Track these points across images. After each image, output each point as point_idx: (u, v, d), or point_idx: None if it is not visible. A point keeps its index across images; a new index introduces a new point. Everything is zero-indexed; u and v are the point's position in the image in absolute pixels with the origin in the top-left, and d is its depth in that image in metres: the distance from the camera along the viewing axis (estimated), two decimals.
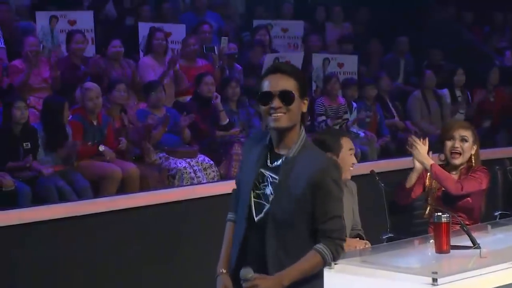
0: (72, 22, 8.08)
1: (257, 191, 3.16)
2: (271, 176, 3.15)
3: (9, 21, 8.01)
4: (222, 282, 3.21)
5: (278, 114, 3.11)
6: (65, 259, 5.68)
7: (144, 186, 6.65)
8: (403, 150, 8.50)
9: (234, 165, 7.01)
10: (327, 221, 3.10)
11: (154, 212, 6.18)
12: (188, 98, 7.92)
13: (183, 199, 6.38)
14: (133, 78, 7.74)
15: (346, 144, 4.47)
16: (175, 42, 8.41)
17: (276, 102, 3.10)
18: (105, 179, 6.43)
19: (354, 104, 8.61)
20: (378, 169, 6.14)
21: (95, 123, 6.77)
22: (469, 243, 4.29)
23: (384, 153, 8.47)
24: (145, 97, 7.43)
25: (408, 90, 9.66)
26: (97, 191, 6.40)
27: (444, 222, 4.23)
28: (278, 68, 3.17)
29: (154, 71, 7.91)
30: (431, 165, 4.81)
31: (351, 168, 4.48)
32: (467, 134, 4.89)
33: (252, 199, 3.16)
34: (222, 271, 3.24)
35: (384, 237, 4.86)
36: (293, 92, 3.12)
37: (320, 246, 3.09)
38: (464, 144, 4.89)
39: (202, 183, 6.86)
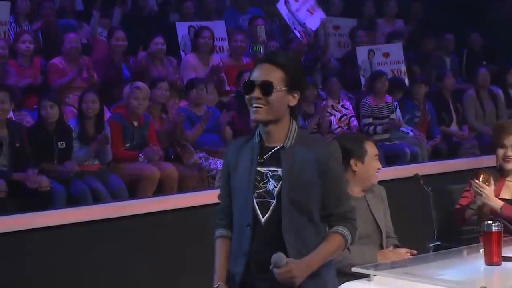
0: None
1: (257, 191, 3.04)
2: (270, 171, 3.04)
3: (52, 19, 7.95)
4: None
5: (258, 105, 3.01)
6: (99, 261, 5.58)
7: (183, 187, 6.48)
8: (455, 152, 8.27)
9: None
10: (340, 204, 3.05)
11: (193, 214, 6.03)
12: (231, 96, 7.75)
13: None
14: (175, 76, 7.57)
15: (371, 148, 4.24)
16: (216, 39, 8.25)
17: (256, 93, 3.01)
18: (142, 180, 6.29)
19: (396, 103, 8.32)
20: (427, 172, 5.90)
21: (135, 124, 6.62)
22: None
23: (436, 155, 8.17)
24: (186, 95, 7.26)
25: (461, 88, 9.32)
26: (134, 192, 6.26)
27: (495, 231, 3.95)
28: (268, 58, 3.05)
29: (196, 70, 7.75)
30: (501, 207, 4.63)
31: (376, 174, 4.23)
32: None
33: (255, 201, 3.03)
34: (220, 284, 3.08)
35: (430, 245, 4.61)
36: (275, 83, 2.99)
37: (339, 228, 3.04)
38: None
39: None
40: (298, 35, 8.75)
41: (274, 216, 3.00)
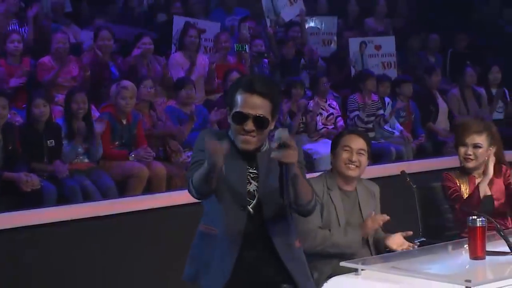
0: None
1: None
2: (251, 173, 3.20)
3: (40, 20, 7.99)
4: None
5: (248, 137, 3.14)
6: (89, 259, 5.62)
7: (172, 185, 6.53)
8: (440, 150, 8.37)
9: None
10: None
11: (181, 213, 6.05)
12: (218, 95, 7.81)
13: None
14: (163, 75, 7.63)
15: (344, 140, 4.27)
16: (209, 40, 8.31)
17: (250, 126, 3.13)
18: (131, 178, 6.34)
19: (387, 99, 8.41)
20: (412, 170, 5.97)
21: (124, 122, 6.66)
22: (506, 249, 4.10)
23: (420, 154, 8.27)
24: (175, 94, 7.32)
25: (445, 88, 9.42)
26: (123, 191, 6.30)
27: (479, 226, 4.03)
28: (255, 89, 3.12)
29: (183, 68, 7.81)
30: None
31: (347, 165, 4.23)
32: (481, 140, 4.77)
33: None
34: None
35: (416, 241, 4.67)
36: (268, 117, 3.12)
37: None
38: (478, 150, 4.77)
39: None
40: (268, 23, 8.83)
41: (255, 212, 3.18)
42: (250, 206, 3.19)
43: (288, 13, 8.91)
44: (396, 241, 4.27)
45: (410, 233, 4.32)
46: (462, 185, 4.79)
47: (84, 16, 8.98)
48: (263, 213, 3.19)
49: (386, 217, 4.24)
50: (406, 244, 4.27)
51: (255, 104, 3.10)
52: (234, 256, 3.19)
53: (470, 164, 4.77)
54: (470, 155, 4.75)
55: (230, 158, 3.14)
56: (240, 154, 3.19)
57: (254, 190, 3.19)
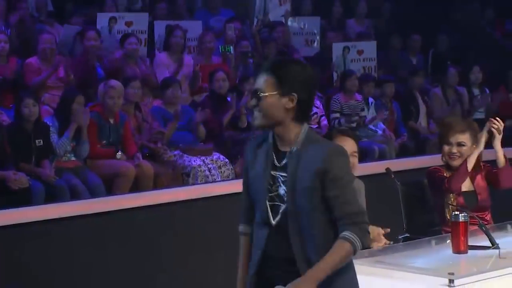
0: (129, 23, 8.15)
1: (270, 194, 3.10)
2: (281, 176, 3.09)
3: (25, 20, 8.01)
4: None
5: (254, 113, 3.10)
6: (78, 257, 5.65)
7: (158, 184, 6.59)
8: (422, 149, 8.48)
9: None
10: (342, 205, 3.00)
11: (168, 211, 6.11)
12: (203, 96, 7.87)
13: (197, 197, 6.31)
14: (148, 75, 7.68)
15: (348, 145, 4.20)
16: (191, 39, 8.36)
17: (251, 101, 3.10)
18: (118, 177, 6.38)
19: (371, 100, 8.51)
20: (395, 168, 6.06)
21: (111, 121, 6.70)
22: (488, 243, 4.20)
23: (403, 152, 8.37)
24: (161, 94, 7.37)
25: (426, 88, 9.53)
26: (110, 189, 6.35)
27: (461, 222, 4.14)
28: (262, 66, 3.14)
29: (168, 68, 7.86)
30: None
31: None
32: (464, 138, 4.85)
33: (267, 203, 3.10)
34: None
35: (400, 237, 4.77)
36: (263, 89, 3.05)
37: (346, 234, 2.98)
38: (462, 148, 4.86)
39: (217, 181, 6.79)
40: (255, 23, 8.89)
41: (284, 220, 3.06)
42: (275, 220, 3.09)
43: (276, 13, 9.00)
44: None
45: (388, 230, 4.35)
46: None
47: (66, 15, 8.99)
48: (288, 225, 3.05)
49: (387, 230, 4.31)
50: (382, 242, 4.31)
51: (258, 81, 3.09)
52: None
53: (455, 162, 4.85)
54: (455, 153, 4.83)
55: (262, 160, 3.11)
56: (272, 158, 3.11)
57: (283, 194, 3.07)
